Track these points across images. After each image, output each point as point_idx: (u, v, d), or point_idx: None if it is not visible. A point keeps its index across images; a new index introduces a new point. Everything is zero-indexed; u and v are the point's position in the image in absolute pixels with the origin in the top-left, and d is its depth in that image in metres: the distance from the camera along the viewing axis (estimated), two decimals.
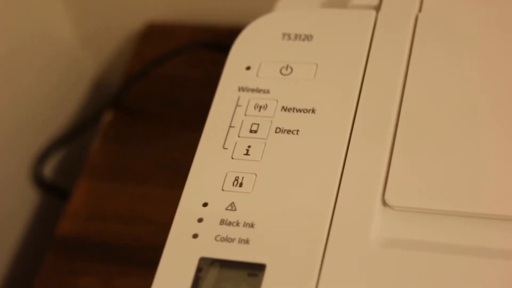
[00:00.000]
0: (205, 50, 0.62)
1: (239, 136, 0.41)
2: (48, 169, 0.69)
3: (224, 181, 0.39)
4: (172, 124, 0.63)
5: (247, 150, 0.40)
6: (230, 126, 0.41)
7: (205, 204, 0.39)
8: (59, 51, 0.72)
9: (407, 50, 0.42)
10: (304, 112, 0.41)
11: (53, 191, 0.67)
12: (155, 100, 0.65)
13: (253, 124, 0.41)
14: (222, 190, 0.39)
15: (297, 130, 0.40)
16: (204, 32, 0.67)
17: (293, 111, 0.41)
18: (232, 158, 0.40)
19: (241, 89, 0.43)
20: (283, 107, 0.41)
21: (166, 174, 0.60)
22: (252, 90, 0.42)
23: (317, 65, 0.43)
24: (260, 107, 0.42)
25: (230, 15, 0.68)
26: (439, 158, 0.38)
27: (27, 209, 0.69)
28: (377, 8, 0.45)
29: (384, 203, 0.37)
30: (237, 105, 0.42)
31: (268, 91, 0.42)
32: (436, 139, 0.39)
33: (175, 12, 0.69)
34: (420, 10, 0.44)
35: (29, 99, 0.69)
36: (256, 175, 0.39)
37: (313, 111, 0.41)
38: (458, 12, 0.43)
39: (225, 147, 0.41)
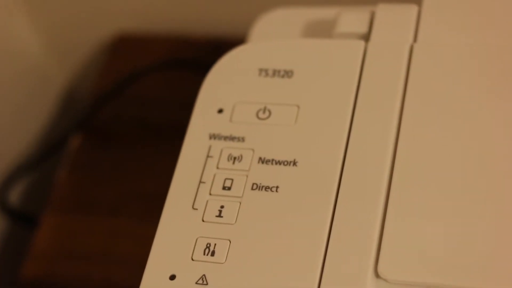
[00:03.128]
0: (181, 68, 0.57)
1: (210, 194, 0.36)
2: (14, 195, 0.64)
3: (194, 248, 0.35)
4: (145, 149, 0.58)
5: (220, 211, 0.35)
6: (201, 182, 0.36)
7: (172, 277, 0.34)
8: (26, 66, 0.67)
9: (402, 87, 0.37)
10: (284, 164, 0.36)
11: (19, 218, 0.62)
12: (126, 123, 0.60)
13: (226, 179, 0.36)
14: (192, 259, 0.34)
15: (277, 187, 0.35)
16: (179, 44, 0.62)
17: (272, 163, 0.36)
18: (203, 221, 0.35)
19: (213, 136, 0.38)
20: (260, 158, 0.36)
21: (139, 205, 0.56)
22: (225, 138, 0.37)
23: (298, 107, 0.37)
24: (234, 158, 0.37)
25: (208, 25, 0.62)
26: (438, 223, 0.33)
27: None
28: (366, 37, 0.40)
29: (377, 275, 0.33)
30: (208, 156, 0.37)
31: (243, 139, 0.37)
32: (435, 199, 0.34)
33: (147, 22, 0.64)
34: (415, 39, 0.39)
35: None
36: (230, 242, 0.35)
37: (294, 163, 0.36)
38: (458, 41, 0.38)
39: (194, 207, 0.36)
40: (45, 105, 0.69)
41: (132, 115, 0.60)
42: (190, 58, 0.57)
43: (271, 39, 0.42)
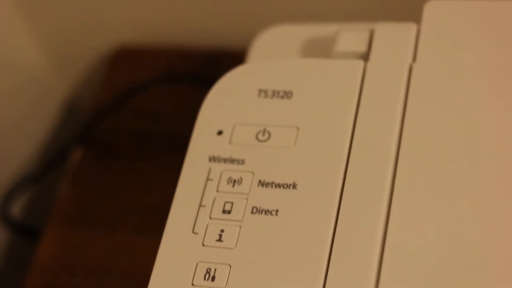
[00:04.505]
0: (182, 81, 0.57)
1: (210, 218, 0.36)
2: (16, 207, 0.64)
3: (194, 273, 0.35)
4: (146, 162, 0.58)
5: (220, 235, 0.35)
6: (201, 205, 0.36)
7: None
8: (27, 78, 0.67)
9: (401, 107, 0.37)
10: (284, 187, 0.36)
11: (21, 231, 0.62)
12: (127, 136, 0.60)
13: (226, 202, 0.36)
14: (192, 285, 0.35)
15: (276, 210, 0.35)
16: (179, 56, 0.62)
17: (272, 186, 0.36)
18: (203, 245, 0.35)
19: (212, 159, 0.38)
20: (260, 181, 0.36)
21: (140, 220, 0.55)
22: (225, 161, 0.37)
23: (298, 129, 0.37)
24: (234, 181, 0.37)
25: (208, 37, 0.62)
26: (437, 245, 0.33)
27: None
28: (365, 56, 0.39)
29: None
30: (208, 179, 0.37)
31: (243, 162, 0.37)
32: (435, 221, 0.34)
33: (147, 34, 0.64)
34: (414, 59, 0.39)
35: None
36: (230, 267, 0.34)
37: (294, 186, 0.36)
38: (457, 61, 0.38)
39: (195, 231, 0.36)
40: (46, 116, 0.69)
41: (132, 128, 0.60)
42: (190, 72, 0.57)
43: (271, 58, 0.42)
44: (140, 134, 0.60)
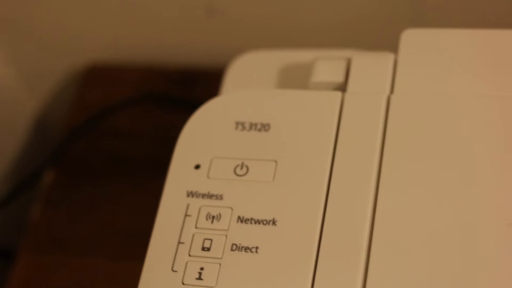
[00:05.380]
0: (156, 102, 0.56)
1: (190, 255, 0.36)
2: None
3: None
4: (120, 184, 0.57)
5: (200, 274, 0.35)
6: (179, 242, 0.36)
7: None
8: None
9: (380, 139, 0.37)
10: (263, 223, 0.36)
11: None
12: (100, 156, 0.59)
13: (205, 239, 0.36)
14: None
15: (256, 247, 0.35)
16: (152, 74, 0.61)
17: (251, 223, 0.36)
18: (183, 284, 0.35)
19: (190, 194, 0.37)
20: (239, 217, 0.36)
21: (115, 243, 0.55)
22: (203, 196, 0.37)
23: (276, 163, 0.37)
24: (213, 217, 0.36)
25: (181, 55, 0.62)
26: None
27: None
28: (343, 86, 0.39)
29: None
30: (186, 215, 0.37)
31: (221, 197, 0.37)
32: (416, 261, 0.34)
33: (119, 52, 0.63)
34: (392, 90, 0.38)
35: None
36: None
37: (273, 222, 0.36)
38: (435, 92, 0.38)
39: (174, 269, 0.35)
40: (16, 135, 0.68)
41: (106, 148, 0.59)
42: (167, 94, 0.57)
43: (247, 89, 0.41)
44: (114, 155, 0.59)
